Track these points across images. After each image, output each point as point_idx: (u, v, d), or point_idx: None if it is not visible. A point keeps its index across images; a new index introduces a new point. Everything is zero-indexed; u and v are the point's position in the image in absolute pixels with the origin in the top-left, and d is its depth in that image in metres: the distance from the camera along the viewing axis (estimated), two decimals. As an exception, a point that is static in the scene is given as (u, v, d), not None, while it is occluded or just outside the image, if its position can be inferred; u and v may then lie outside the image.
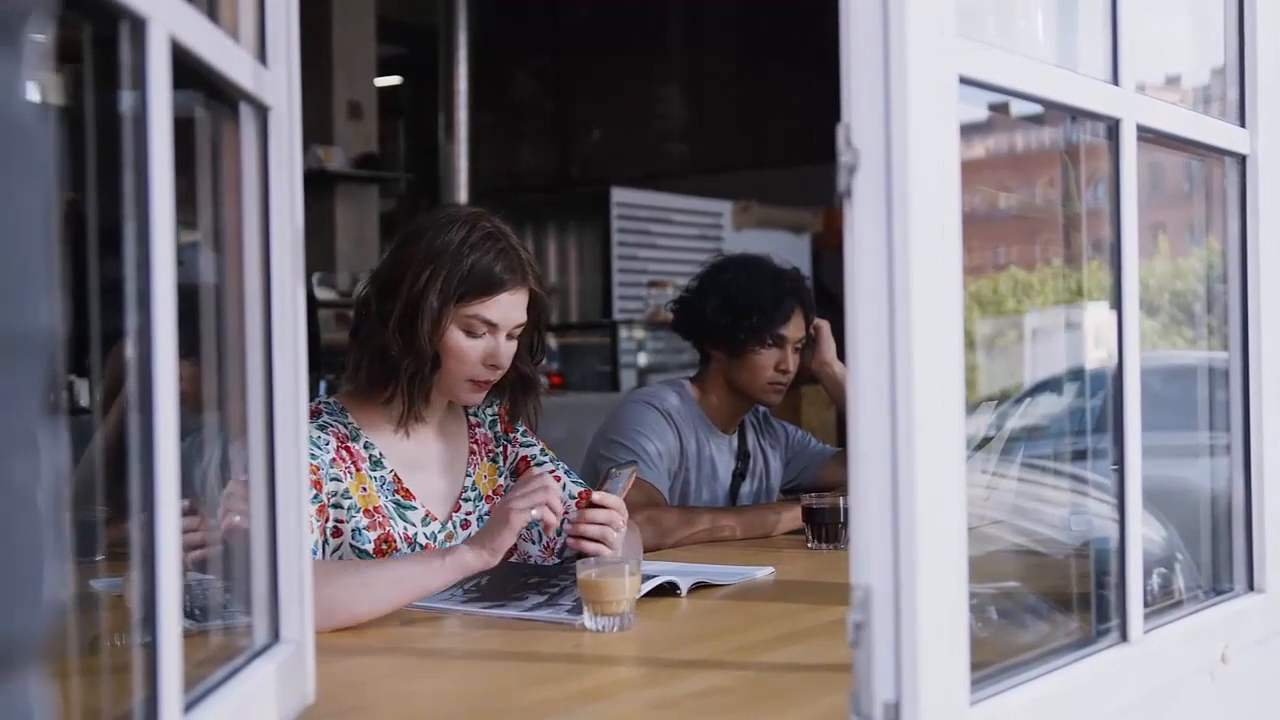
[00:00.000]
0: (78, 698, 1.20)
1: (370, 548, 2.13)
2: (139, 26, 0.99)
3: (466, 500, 2.31)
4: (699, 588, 2.16)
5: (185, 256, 1.10)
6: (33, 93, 0.55)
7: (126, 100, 1.01)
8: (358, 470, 2.16)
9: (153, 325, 1.01)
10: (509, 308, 2.19)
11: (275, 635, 1.37)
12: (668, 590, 2.09)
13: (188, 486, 1.07)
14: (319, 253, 7.31)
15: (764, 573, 2.34)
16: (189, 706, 1.10)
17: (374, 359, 2.18)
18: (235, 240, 1.36)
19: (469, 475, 2.32)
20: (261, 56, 1.35)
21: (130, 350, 1.01)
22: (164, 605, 1.01)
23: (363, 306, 2.22)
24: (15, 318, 0.52)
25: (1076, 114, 1.55)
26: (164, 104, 1.02)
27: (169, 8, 1.03)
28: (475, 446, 2.36)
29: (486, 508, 2.32)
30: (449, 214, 2.24)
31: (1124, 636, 1.51)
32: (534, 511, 1.96)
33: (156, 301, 1.01)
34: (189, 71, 1.11)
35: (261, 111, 1.35)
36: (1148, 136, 1.57)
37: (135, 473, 1.01)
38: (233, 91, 1.28)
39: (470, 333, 2.17)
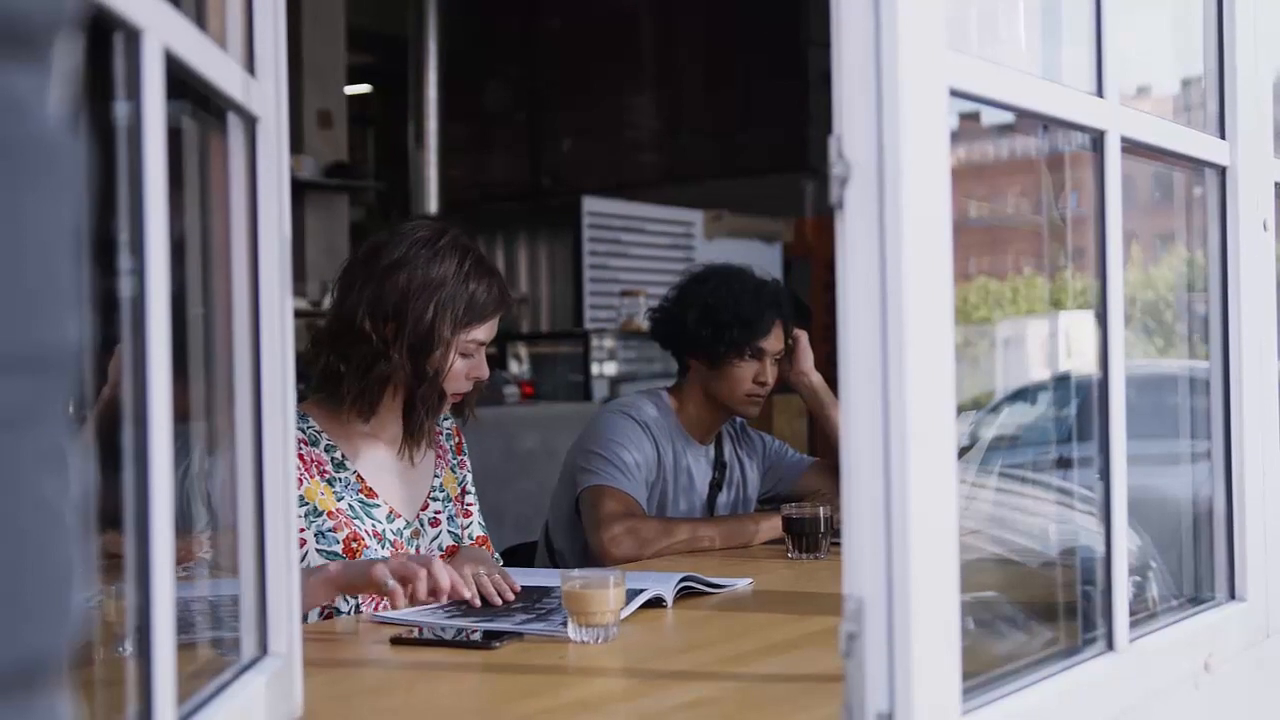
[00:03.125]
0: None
1: (339, 548, 2.20)
2: (134, 37, 0.99)
3: (435, 499, 2.39)
4: (685, 595, 2.16)
5: (171, 267, 1.09)
6: (60, 106, 0.55)
7: (120, 110, 1.01)
8: (313, 477, 2.22)
9: (147, 336, 1.00)
10: (496, 327, 2.33)
11: (263, 649, 1.36)
12: (653, 602, 2.09)
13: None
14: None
15: (744, 584, 2.34)
16: (181, 721, 1.09)
17: (377, 386, 2.24)
18: (223, 251, 1.35)
19: (437, 476, 2.41)
20: (250, 66, 1.34)
21: (124, 361, 1.00)
22: (158, 619, 1.01)
23: (350, 328, 2.22)
24: (45, 333, 0.52)
25: (1062, 126, 1.56)
26: (158, 114, 1.01)
27: (163, 18, 1.03)
28: (441, 450, 2.44)
29: (454, 508, 2.42)
30: (427, 239, 2.27)
31: (1110, 645, 1.52)
32: (391, 582, 1.92)
33: (150, 312, 1.00)
34: (179, 81, 1.11)
35: (250, 122, 1.34)
36: (1130, 148, 1.58)
37: (130, 486, 1.00)
38: (222, 102, 1.27)
39: (464, 355, 2.28)
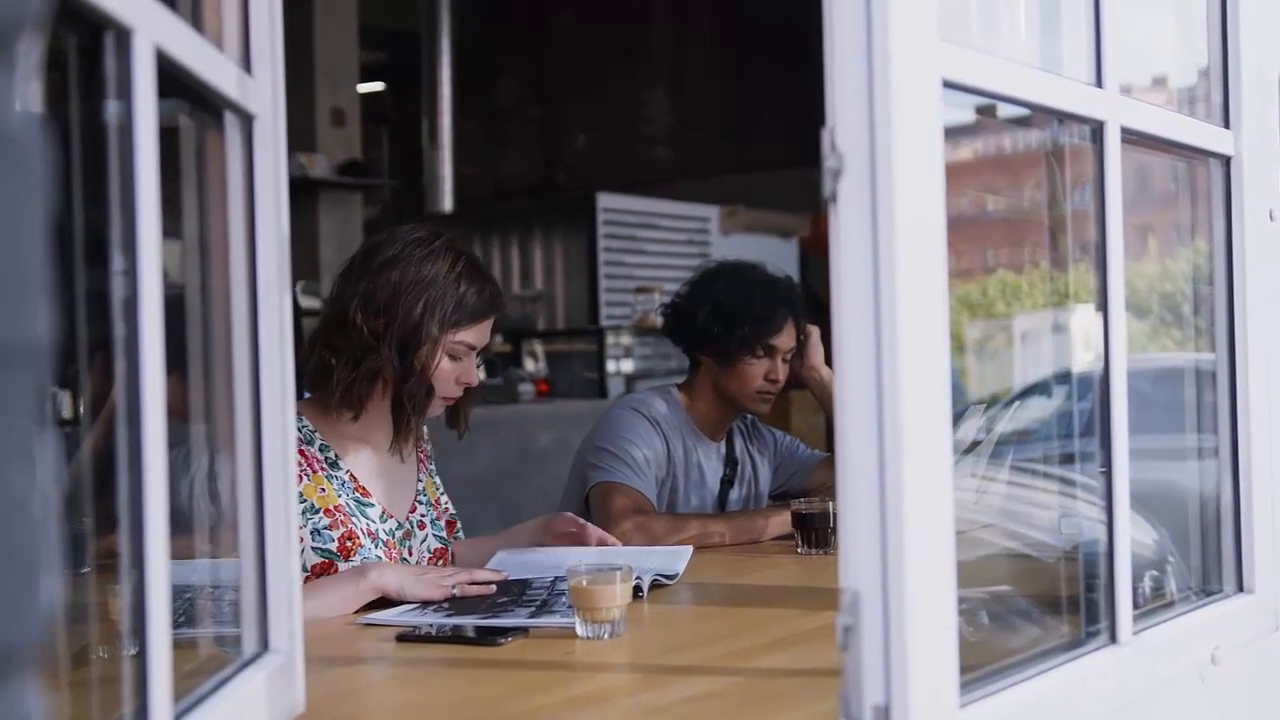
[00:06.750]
0: (66, 709, 1.20)
1: (334, 546, 2.23)
2: (124, 36, 0.99)
3: (420, 503, 2.43)
4: (659, 588, 2.20)
5: (169, 267, 1.09)
6: (26, 103, 0.55)
7: (111, 109, 1.01)
8: (314, 473, 2.25)
9: (140, 335, 1.00)
10: (488, 332, 2.35)
11: (264, 644, 1.37)
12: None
13: (175, 499, 1.07)
14: (303, 261, 7.28)
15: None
16: (179, 716, 1.09)
17: (365, 380, 2.27)
18: (221, 250, 1.35)
19: (419, 481, 2.45)
20: (246, 65, 1.34)
21: (117, 361, 1.01)
22: (153, 616, 1.01)
23: (344, 321, 2.25)
24: (12, 328, 0.52)
25: (1060, 116, 1.55)
26: (149, 113, 1.02)
27: (154, 17, 1.03)
28: (422, 457, 2.49)
29: (435, 513, 2.46)
30: (422, 240, 2.31)
31: (1113, 638, 1.51)
32: (455, 590, 2.12)
33: (143, 312, 1.01)
34: (172, 80, 1.11)
35: (246, 120, 1.34)
36: (1132, 138, 1.57)
37: (124, 485, 1.00)
38: (217, 100, 1.27)
39: (453, 357, 2.31)
